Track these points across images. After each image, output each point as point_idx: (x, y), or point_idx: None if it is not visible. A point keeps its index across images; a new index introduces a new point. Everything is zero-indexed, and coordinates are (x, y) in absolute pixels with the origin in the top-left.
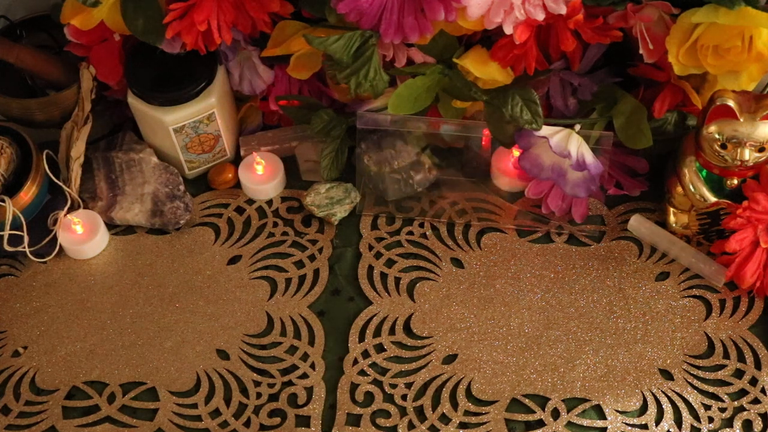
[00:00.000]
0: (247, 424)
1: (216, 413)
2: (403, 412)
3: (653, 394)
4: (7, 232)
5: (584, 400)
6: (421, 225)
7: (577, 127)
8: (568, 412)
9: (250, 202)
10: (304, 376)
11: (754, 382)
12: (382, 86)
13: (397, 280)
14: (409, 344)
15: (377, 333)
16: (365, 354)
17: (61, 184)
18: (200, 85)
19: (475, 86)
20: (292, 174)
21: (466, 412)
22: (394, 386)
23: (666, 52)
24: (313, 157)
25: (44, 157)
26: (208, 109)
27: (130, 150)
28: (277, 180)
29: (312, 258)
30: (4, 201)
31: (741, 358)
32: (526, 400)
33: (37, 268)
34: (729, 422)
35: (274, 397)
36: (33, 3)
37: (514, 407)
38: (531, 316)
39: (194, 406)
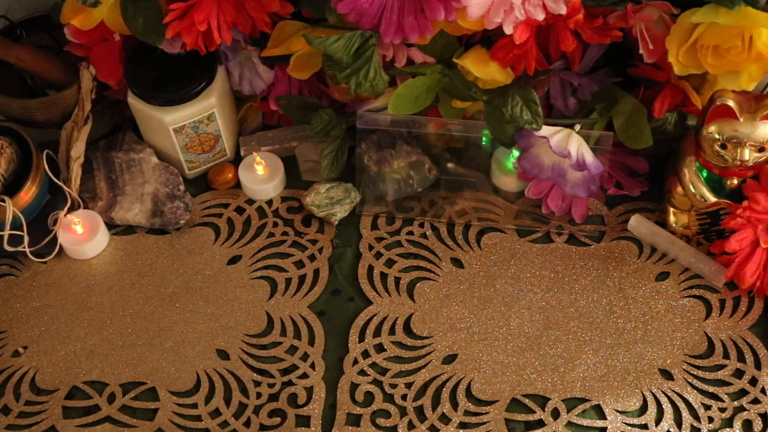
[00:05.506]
0: (247, 424)
1: (216, 413)
2: (403, 412)
3: (653, 394)
4: (7, 232)
5: (584, 400)
6: (421, 225)
7: (577, 127)
8: (568, 412)
9: (250, 202)
10: (304, 376)
11: (754, 382)
12: (382, 86)
13: (397, 280)
14: (409, 344)
15: (377, 333)
16: (365, 354)
17: (61, 184)
18: (200, 85)
19: (475, 86)
20: (292, 174)
21: (466, 412)
22: (394, 386)
23: (666, 52)
24: (313, 157)
25: (44, 157)
26: (208, 109)
27: (130, 150)
28: (277, 180)
29: (312, 258)
30: (4, 201)
31: (741, 358)
32: (526, 400)
33: (37, 268)
34: (729, 422)
35: (274, 397)
36: (33, 3)
37: (514, 407)
38: (531, 316)
39: (194, 406)
